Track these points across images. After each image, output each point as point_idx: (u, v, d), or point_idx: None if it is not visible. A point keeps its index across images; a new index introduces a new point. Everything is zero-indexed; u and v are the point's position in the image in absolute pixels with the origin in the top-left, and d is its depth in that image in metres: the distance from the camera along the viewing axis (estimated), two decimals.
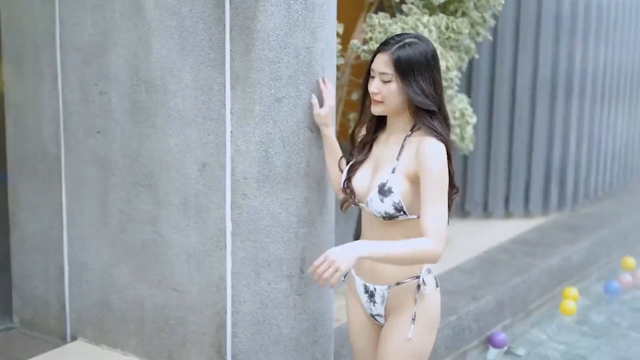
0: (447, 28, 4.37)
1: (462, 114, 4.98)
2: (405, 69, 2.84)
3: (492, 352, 4.68)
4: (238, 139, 3.37)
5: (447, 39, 4.39)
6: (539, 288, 5.19)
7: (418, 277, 2.94)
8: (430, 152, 2.80)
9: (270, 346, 3.48)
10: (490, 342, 4.72)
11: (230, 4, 3.29)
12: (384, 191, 2.88)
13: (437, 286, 3.02)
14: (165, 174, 3.61)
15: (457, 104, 4.96)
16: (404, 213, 2.88)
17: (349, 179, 3.07)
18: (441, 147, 2.83)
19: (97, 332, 3.97)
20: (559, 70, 6.27)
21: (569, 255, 5.55)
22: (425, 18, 4.34)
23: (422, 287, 2.93)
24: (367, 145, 3.08)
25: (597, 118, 6.70)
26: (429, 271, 2.98)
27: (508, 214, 6.35)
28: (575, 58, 6.33)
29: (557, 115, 6.31)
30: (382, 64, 2.87)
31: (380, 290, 3.01)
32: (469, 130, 5.03)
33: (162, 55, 3.52)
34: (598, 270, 5.96)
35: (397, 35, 2.93)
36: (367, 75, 2.96)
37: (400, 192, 2.86)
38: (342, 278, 2.80)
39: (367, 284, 3.04)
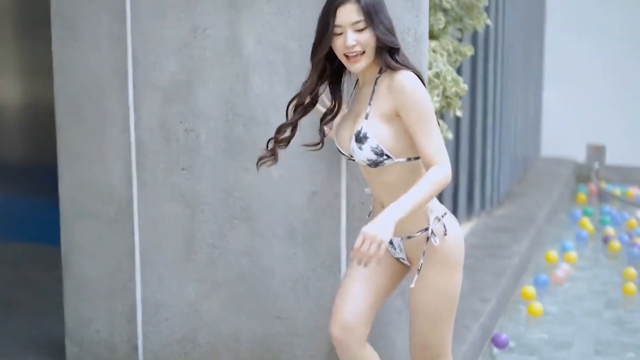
0: (454, 52, 4.72)
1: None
2: (373, 12, 2.90)
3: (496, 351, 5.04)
4: (355, 167, 3.54)
5: (454, 62, 4.74)
6: (511, 286, 5.64)
7: (427, 229, 3.01)
8: (407, 83, 2.87)
9: None
10: (493, 343, 5.04)
11: None
12: (359, 138, 2.94)
13: (446, 234, 3.02)
14: (266, 206, 3.70)
15: None
16: (388, 157, 2.93)
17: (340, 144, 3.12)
18: (416, 77, 2.90)
19: None
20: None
21: (522, 254, 6.06)
22: (433, 43, 4.66)
23: (431, 239, 2.99)
24: (302, 106, 3.14)
25: (497, 128, 7.30)
26: (438, 219, 3.02)
27: None
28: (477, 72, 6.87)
29: (477, 123, 6.80)
30: (351, 13, 2.89)
31: (396, 241, 3.12)
32: None
33: (264, 90, 3.63)
34: (533, 267, 6.50)
35: None
36: (326, 41, 2.94)
37: (376, 135, 2.92)
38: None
39: None
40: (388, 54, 2.94)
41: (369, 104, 2.95)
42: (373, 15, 2.89)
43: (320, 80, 3.10)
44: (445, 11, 4.81)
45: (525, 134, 8.80)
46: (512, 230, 6.60)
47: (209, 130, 3.74)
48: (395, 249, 3.15)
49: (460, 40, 5.08)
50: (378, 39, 2.91)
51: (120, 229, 3.96)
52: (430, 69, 4.49)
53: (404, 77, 2.88)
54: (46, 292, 5.09)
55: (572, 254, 6.83)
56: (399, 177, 2.98)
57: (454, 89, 4.49)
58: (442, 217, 3.04)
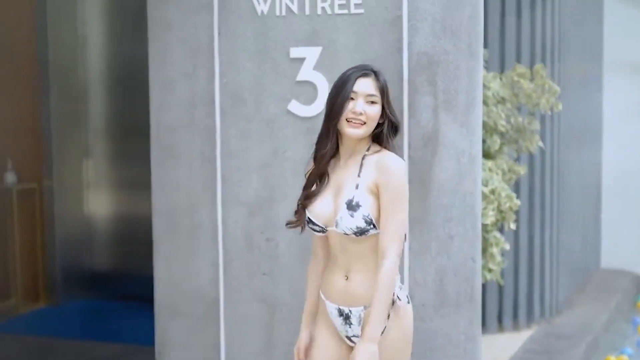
0: (509, 170, 5.20)
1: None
2: (386, 92, 3.18)
3: None
4: (416, 272, 4.01)
5: (509, 179, 5.21)
6: None
7: (392, 293, 3.11)
8: (392, 164, 3.10)
9: None
10: None
11: (409, 160, 3.98)
12: (352, 206, 3.09)
13: (409, 302, 3.22)
14: None
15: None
16: (374, 227, 3.10)
17: (304, 206, 3.24)
18: (403, 163, 3.15)
19: None
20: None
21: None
22: (490, 162, 5.15)
23: (396, 302, 3.14)
24: (325, 175, 3.24)
25: (555, 240, 7.68)
26: (401, 288, 3.20)
27: (500, 328, 7.12)
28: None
29: (535, 236, 7.19)
30: (369, 87, 3.15)
31: (356, 312, 3.17)
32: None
33: None
34: None
35: (362, 66, 3.23)
36: (344, 103, 3.12)
37: (367, 205, 3.09)
38: None
39: (342, 307, 3.20)
40: (386, 134, 3.19)
41: (359, 176, 3.13)
42: (385, 94, 3.18)
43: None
44: (501, 134, 5.32)
45: (584, 245, 9.13)
46: (569, 336, 6.91)
47: (287, 240, 4.26)
48: (352, 325, 3.19)
49: (517, 159, 5.56)
50: (386, 116, 3.17)
51: (208, 326, 4.46)
52: (486, 185, 4.97)
53: (391, 158, 3.12)
54: None
55: (625, 358, 7.10)
56: (371, 247, 3.12)
57: (507, 204, 4.96)
58: (402, 288, 3.22)
